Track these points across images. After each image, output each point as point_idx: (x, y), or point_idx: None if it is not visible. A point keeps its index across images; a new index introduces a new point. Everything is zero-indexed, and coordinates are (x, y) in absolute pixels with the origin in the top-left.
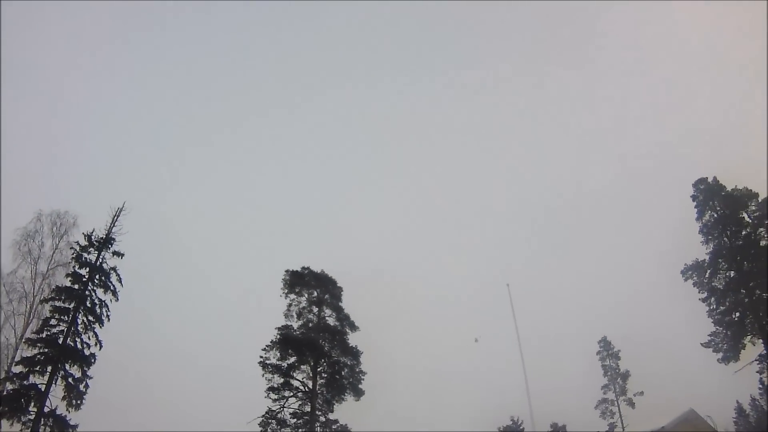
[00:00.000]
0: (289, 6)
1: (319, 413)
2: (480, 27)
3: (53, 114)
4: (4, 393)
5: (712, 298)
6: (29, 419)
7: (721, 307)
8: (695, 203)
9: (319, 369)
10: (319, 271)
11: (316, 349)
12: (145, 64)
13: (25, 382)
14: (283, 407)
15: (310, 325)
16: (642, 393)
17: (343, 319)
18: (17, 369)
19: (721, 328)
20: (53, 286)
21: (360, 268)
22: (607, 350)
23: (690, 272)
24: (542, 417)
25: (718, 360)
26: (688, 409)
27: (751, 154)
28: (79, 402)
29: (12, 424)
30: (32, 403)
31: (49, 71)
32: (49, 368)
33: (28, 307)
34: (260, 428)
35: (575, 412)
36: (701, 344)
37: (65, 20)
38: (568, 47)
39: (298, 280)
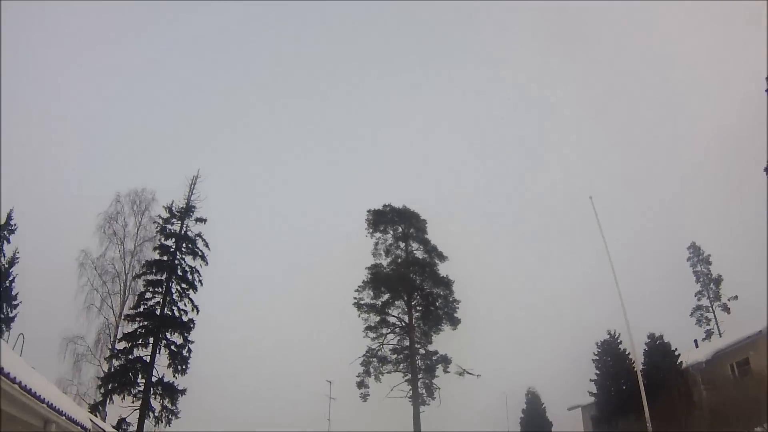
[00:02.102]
0: None
1: (418, 346)
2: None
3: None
4: (112, 370)
5: None
6: (139, 390)
7: None
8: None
9: (413, 302)
10: (400, 207)
11: (408, 283)
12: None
13: (130, 356)
14: (383, 344)
15: (399, 260)
16: (736, 297)
17: (431, 250)
18: (120, 345)
19: None
20: (143, 262)
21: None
22: (697, 255)
23: None
24: (639, 329)
25: None
26: None
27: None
28: (184, 367)
29: (123, 398)
30: (140, 375)
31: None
32: (151, 339)
33: (122, 285)
34: (362, 367)
35: (671, 321)
36: None
37: None
38: (568, 47)
39: (382, 218)
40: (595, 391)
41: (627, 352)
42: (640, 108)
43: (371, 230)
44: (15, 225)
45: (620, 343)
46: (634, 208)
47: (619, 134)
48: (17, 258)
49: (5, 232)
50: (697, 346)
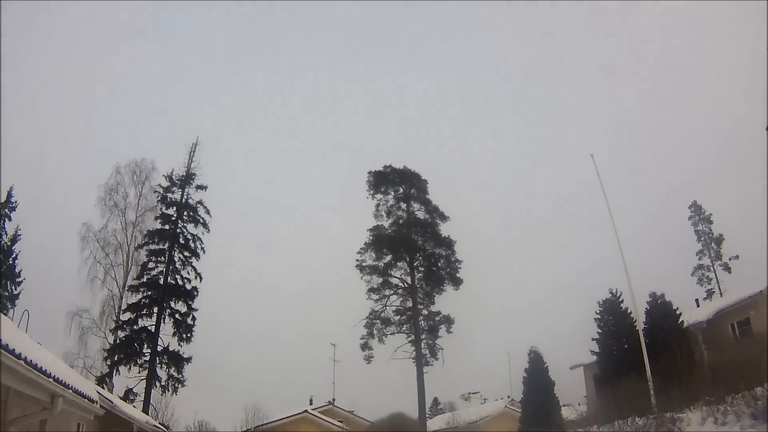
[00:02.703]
0: None
1: (421, 306)
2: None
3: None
4: (118, 341)
5: None
6: (145, 360)
7: None
8: None
9: (415, 263)
10: (401, 168)
11: (410, 243)
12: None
13: (135, 327)
14: (386, 306)
15: (401, 221)
16: (737, 257)
17: (433, 211)
18: (125, 317)
19: None
20: (145, 232)
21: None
22: (699, 215)
23: None
24: (640, 288)
25: None
26: None
27: None
28: (189, 335)
29: (129, 369)
30: (145, 345)
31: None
32: (156, 309)
33: (125, 256)
34: (366, 329)
35: (672, 281)
36: None
37: None
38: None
39: (382, 180)
40: (597, 350)
41: (629, 311)
42: (642, 66)
43: (372, 192)
44: (16, 202)
45: (622, 302)
46: (636, 168)
47: (621, 94)
48: (19, 235)
49: (6, 210)
50: (698, 306)
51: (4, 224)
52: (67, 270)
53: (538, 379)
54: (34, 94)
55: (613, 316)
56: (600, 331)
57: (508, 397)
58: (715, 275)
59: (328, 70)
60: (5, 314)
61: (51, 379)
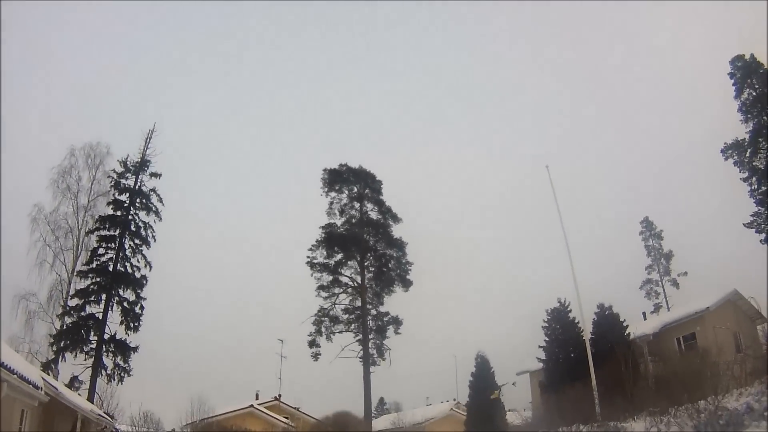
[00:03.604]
0: None
1: (370, 307)
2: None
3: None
4: (64, 327)
5: (753, 178)
6: (91, 348)
7: (763, 187)
8: (733, 81)
9: (366, 263)
10: (356, 167)
11: (361, 243)
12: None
13: (82, 313)
14: (335, 304)
15: (353, 221)
16: (686, 273)
17: (386, 212)
18: (73, 302)
19: (764, 209)
20: (96, 217)
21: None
22: (650, 230)
23: (730, 151)
24: (588, 298)
25: (761, 241)
26: (731, 290)
27: None
28: (136, 324)
29: (75, 356)
30: (92, 333)
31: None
32: (104, 296)
33: (75, 240)
34: (314, 327)
35: (621, 293)
36: (743, 225)
37: None
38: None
39: (337, 178)
40: (543, 358)
41: (576, 321)
42: (600, 82)
43: (326, 189)
44: None
45: (570, 311)
46: (591, 181)
47: (578, 107)
48: None
49: None
50: (645, 319)
51: None
52: (15, 252)
53: (484, 384)
54: None
55: (560, 325)
56: (547, 339)
57: (454, 399)
58: (663, 290)
59: (301, 63)
60: None
61: None
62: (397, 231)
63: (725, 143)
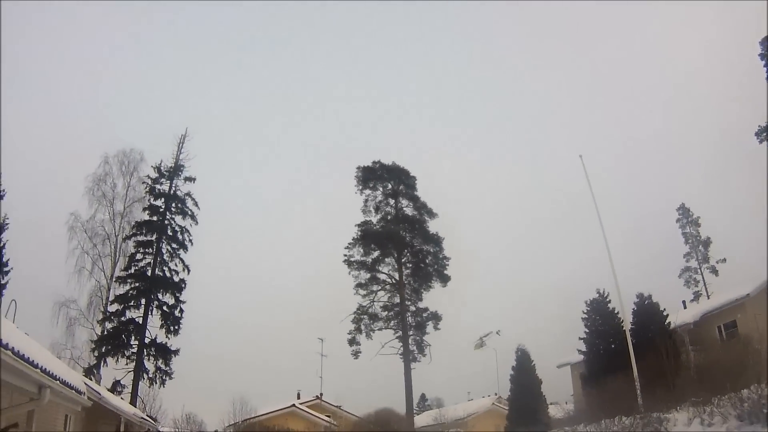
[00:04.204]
0: None
1: (409, 303)
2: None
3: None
4: (105, 332)
5: None
6: (132, 352)
7: None
8: (764, 62)
9: (403, 259)
10: (390, 164)
11: (398, 240)
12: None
13: (122, 318)
14: (373, 302)
15: (389, 217)
16: (725, 260)
17: (421, 207)
18: (113, 308)
19: None
20: (133, 223)
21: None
22: (687, 217)
23: (765, 134)
24: (627, 288)
25: None
26: None
27: None
28: (176, 327)
29: (117, 360)
30: (133, 337)
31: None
32: (143, 300)
33: (113, 247)
34: (353, 325)
35: (659, 282)
36: None
37: None
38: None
39: (371, 175)
40: (584, 350)
41: (616, 312)
42: (631, 68)
43: (361, 187)
44: (3, 190)
45: (609, 302)
46: (625, 170)
47: (610, 96)
48: (6, 224)
49: None
50: (685, 308)
51: None
52: (54, 260)
53: (525, 377)
54: (22, 83)
55: (600, 316)
56: (587, 330)
57: (495, 394)
58: (702, 278)
59: (320, 62)
60: None
61: (38, 370)
62: (432, 226)
63: (759, 126)
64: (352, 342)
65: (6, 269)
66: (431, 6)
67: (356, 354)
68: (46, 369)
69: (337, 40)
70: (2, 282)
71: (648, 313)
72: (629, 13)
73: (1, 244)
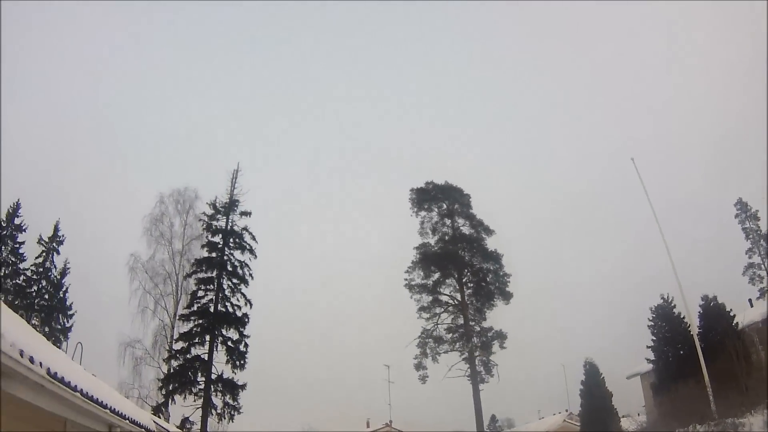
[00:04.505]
0: None
1: (473, 323)
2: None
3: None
4: (171, 370)
5: None
6: (199, 389)
7: None
8: None
9: (464, 279)
10: (443, 183)
11: (458, 260)
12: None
13: (188, 356)
14: (437, 324)
15: (446, 237)
16: None
17: (478, 225)
18: (178, 346)
19: None
20: (192, 260)
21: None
22: (745, 212)
23: None
24: (691, 291)
25: None
26: None
27: None
28: (242, 362)
29: (185, 397)
30: (199, 374)
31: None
32: (208, 337)
33: (174, 285)
34: (419, 349)
35: (723, 281)
36: None
37: None
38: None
39: (425, 196)
40: (652, 358)
41: (682, 316)
42: (678, 64)
43: (416, 209)
44: (63, 236)
45: (674, 306)
46: (676, 169)
47: (656, 93)
48: (68, 269)
49: (54, 244)
50: (752, 306)
51: (53, 258)
52: (117, 301)
53: (595, 391)
54: (22, 83)
55: (666, 322)
56: (654, 338)
57: (566, 410)
58: (767, 273)
59: (320, 62)
60: (59, 347)
61: (108, 410)
62: (491, 243)
63: None
64: (419, 366)
65: (70, 312)
66: (431, 6)
67: (423, 379)
68: (115, 409)
69: (337, 40)
70: (67, 325)
71: (714, 314)
72: (629, 13)
73: (64, 289)
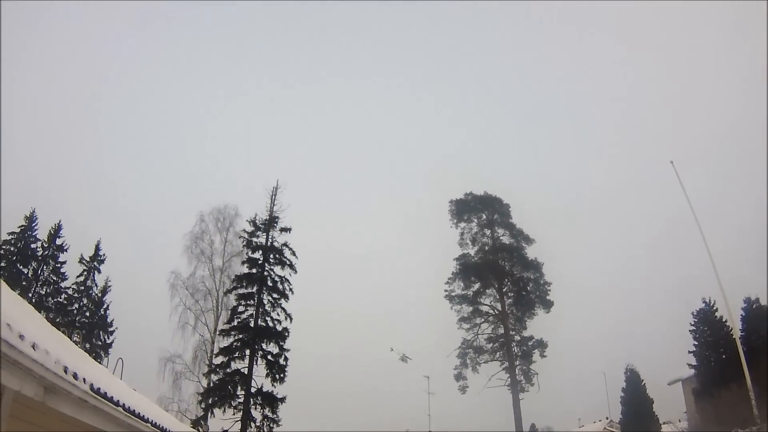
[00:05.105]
0: None
1: (513, 333)
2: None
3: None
4: (211, 384)
5: None
6: (239, 402)
7: None
8: None
9: (504, 289)
10: (482, 194)
11: (497, 270)
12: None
13: (228, 370)
14: (477, 335)
15: (486, 248)
16: None
17: (517, 234)
18: (218, 360)
19: None
20: (232, 277)
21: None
22: None
23: None
24: (733, 293)
25: None
26: None
27: None
28: (282, 376)
29: (224, 411)
30: (239, 387)
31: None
32: (248, 351)
33: (214, 301)
34: (459, 359)
35: (763, 281)
36: None
37: None
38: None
39: (465, 207)
40: (694, 363)
41: (724, 320)
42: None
43: (455, 220)
44: (104, 255)
45: (716, 310)
46: (714, 170)
47: (694, 97)
48: (109, 286)
49: (95, 263)
50: None
51: (94, 277)
52: (157, 317)
53: (636, 398)
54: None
55: (708, 327)
56: (696, 343)
57: (607, 418)
58: None
59: (320, 62)
60: (100, 362)
61: (149, 424)
62: (531, 252)
63: None
64: (459, 377)
65: (111, 329)
66: (431, 6)
67: (464, 389)
68: (156, 423)
69: (337, 39)
70: (108, 341)
71: (758, 317)
72: (629, 13)
73: (106, 306)
